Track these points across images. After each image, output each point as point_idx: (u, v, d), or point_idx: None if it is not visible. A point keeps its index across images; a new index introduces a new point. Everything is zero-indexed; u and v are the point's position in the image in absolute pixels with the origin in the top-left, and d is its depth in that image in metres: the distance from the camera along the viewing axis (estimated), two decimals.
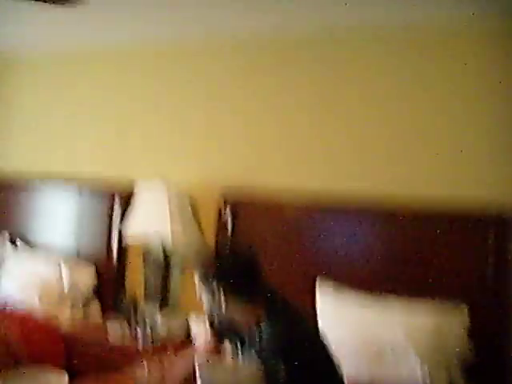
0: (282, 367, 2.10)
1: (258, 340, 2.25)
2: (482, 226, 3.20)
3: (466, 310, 3.12)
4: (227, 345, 2.47)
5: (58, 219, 4.57)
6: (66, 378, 2.36)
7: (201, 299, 2.40)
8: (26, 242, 4.63)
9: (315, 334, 2.30)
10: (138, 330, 3.73)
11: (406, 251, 3.39)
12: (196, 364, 2.28)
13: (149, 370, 3.10)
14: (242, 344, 2.35)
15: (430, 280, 3.28)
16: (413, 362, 2.99)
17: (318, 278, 3.48)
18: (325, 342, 2.30)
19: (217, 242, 3.90)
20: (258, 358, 2.20)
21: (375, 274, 3.42)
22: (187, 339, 3.67)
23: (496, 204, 3.17)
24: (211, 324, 2.56)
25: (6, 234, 4.65)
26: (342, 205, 3.57)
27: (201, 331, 3.52)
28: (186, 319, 3.79)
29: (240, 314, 2.32)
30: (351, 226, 3.54)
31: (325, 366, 2.28)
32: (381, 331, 3.08)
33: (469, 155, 3.32)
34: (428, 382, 2.95)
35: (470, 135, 3.33)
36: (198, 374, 2.26)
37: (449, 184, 3.36)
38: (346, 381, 2.37)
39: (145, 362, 3.20)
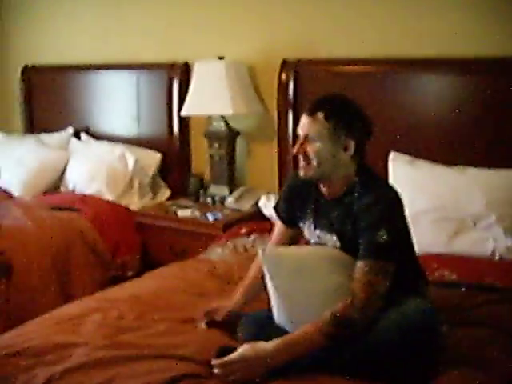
0: (383, 237, 2.00)
1: (346, 213, 2.12)
2: None
3: None
4: (302, 226, 2.34)
5: (119, 108, 4.52)
6: None
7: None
8: (90, 134, 4.60)
9: (402, 207, 2.16)
10: (208, 213, 3.69)
11: (485, 116, 3.17)
12: (260, 250, 2.19)
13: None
14: (320, 221, 2.23)
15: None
16: (496, 234, 2.88)
17: (390, 151, 3.30)
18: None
19: (279, 112, 3.76)
20: (345, 236, 2.12)
21: (452, 143, 3.23)
22: (260, 219, 3.62)
23: None
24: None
25: (71, 129, 4.64)
26: (414, 64, 3.37)
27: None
28: (258, 198, 3.72)
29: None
30: (426, 86, 3.33)
31: (407, 242, 2.19)
32: (460, 203, 2.94)
33: None
34: None
35: None
36: (261, 260, 2.17)
37: None
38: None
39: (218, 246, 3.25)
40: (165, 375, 1.91)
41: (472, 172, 3.06)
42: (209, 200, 3.93)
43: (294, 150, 2.18)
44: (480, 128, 3.19)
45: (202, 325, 2.30)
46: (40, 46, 4.98)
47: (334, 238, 2.17)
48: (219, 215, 3.67)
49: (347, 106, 2.20)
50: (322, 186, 2.22)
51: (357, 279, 2.01)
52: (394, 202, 2.10)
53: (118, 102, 4.50)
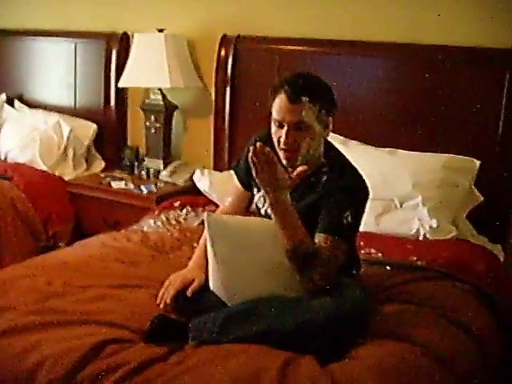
0: (348, 219, 2.09)
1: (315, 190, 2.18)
2: (497, 65, 3.09)
3: (475, 164, 3.05)
4: (256, 197, 2.36)
5: (55, 76, 4.44)
6: None
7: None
8: (24, 101, 4.50)
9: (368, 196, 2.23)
10: (143, 185, 3.69)
11: (416, 99, 3.28)
12: (204, 217, 2.20)
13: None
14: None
15: (440, 133, 3.21)
16: (421, 215, 2.98)
17: None
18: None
19: (217, 88, 3.78)
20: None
21: (385, 125, 3.33)
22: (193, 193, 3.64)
23: None
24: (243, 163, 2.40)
25: (3, 95, 4.52)
26: (352, 46, 3.42)
27: (208, 184, 3.50)
28: (192, 173, 3.73)
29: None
30: (362, 69, 3.41)
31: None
32: (389, 184, 3.03)
33: None
34: (436, 236, 2.94)
35: None
36: (205, 229, 2.19)
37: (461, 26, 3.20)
38: None
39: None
40: (90, 340, 1.92)
41: (401, 154, 3.16)
42: (143, 173, 3.93)
43: (284, 143, 2.12)
44: (412, 113, 3.29)
45: (168, 299, 2.22)
46: None
47: None
48: (153, 188, 3.68)
49: (322, 83, 2.19)
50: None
51: (318, 245, 2.08)
52: (363, 190, 2.19)
53: (54, 71, 4.42)
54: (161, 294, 2.26)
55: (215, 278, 2.18)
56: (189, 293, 2.22)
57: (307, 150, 2.15)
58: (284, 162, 2.16)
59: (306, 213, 2.14)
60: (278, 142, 2.16)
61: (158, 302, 2.24)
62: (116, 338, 1.96)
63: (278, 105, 2.13)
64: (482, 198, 3.07)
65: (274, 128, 2.18)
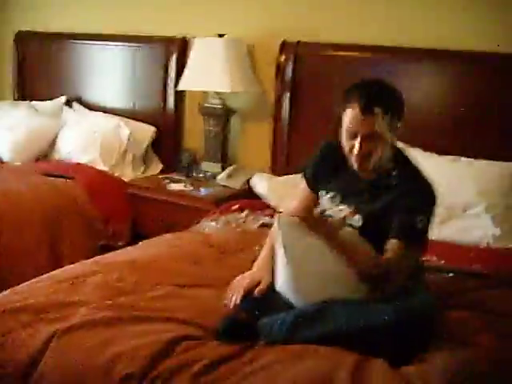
0: (421, 223, 2.12)
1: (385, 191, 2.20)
2: None
3: None
4: (323, 199, 2.37)
5: (114, 80, 4.52)
6: None
7: None
8: (84, 103, 4.59)
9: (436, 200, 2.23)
10: (201, 187, 3.73)
11: (480, 107, 3.26)
12: (275, 220, 2.22)
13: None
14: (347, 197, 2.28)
15: (504, 140, 3.20)
16: (484, 223, 2.97)
17: None
18: None
19: (276, 93, 3.81)
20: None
21: (446, 135, 3.32)
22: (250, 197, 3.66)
23: None
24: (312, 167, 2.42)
25: (64, 97, 4.62)
26: (412, 53, 3.43)
27: (265, 188, 3.53)
28: (249, 176, 3.76)
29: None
30: (424, 75, 3.43)
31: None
32: (451, 191, 3.01)
33: None
34: (499, 244, 2.93)
35: None
36: (277, 230, 2.21)
37: None
38: None
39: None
40: (165, 336, 1.95)
41: (464, 162, 3.16)
42: (200, 176, 3.97)
43: (357, 152, 2.15)
44: (476, 120, 3.28)
45: (237, 299, 2.23)
46: (35, 12, 4.90)
47: (357, 216, 2.22)
48: (211, 191, 3.72)
49: (393, 90, 2.22)
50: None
51: (391, 251, 2.11)
52: (434, 194, 2.19)
53: (113, 74, 4.50)
54: (229, 293, 2.29)
55: (284, 279, 2.20)
56: (256, 293, 2.25)
57: (379, 157, 2.18)
58: (356, 167, 2.21)
59: (378, 216, 2.16)
60: (351, 150, 2.20)
61: (226, 301, 2.27)
62: (189, 335, 1.99)
63: (351, 116, 2.15)
64: None
65: (345, 137, 2.21)
